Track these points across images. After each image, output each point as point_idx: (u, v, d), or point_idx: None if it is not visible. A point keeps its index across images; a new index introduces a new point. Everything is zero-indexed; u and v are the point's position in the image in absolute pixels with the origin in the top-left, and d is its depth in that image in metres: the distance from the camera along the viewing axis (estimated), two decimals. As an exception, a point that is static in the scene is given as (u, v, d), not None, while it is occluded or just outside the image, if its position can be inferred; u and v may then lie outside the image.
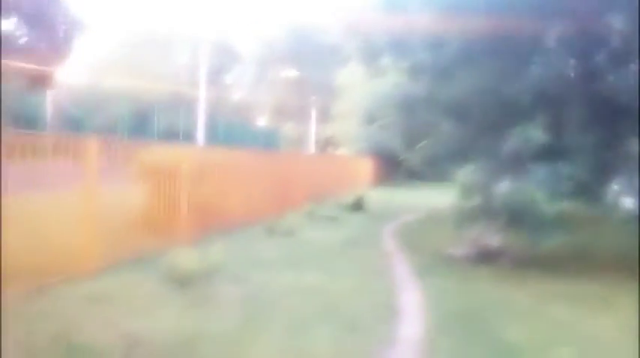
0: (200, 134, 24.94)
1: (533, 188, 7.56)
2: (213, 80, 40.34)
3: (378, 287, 7.61)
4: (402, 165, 28.20)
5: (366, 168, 30.13)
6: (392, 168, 31.05)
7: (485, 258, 9.50)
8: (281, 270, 8.13)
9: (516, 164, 8.03)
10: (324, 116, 38.45)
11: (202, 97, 24.34)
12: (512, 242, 9.69)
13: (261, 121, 39.96)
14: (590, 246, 9.91)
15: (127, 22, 38.43)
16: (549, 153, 7.82)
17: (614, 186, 9.75)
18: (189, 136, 27.29)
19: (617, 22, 7.85)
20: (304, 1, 49.89)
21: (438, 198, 22.41)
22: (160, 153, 9.47)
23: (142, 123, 26.53)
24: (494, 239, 9.81)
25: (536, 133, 7.70)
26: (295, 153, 27.24)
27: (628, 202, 10.36)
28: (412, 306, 6.85)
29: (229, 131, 30.60)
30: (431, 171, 13.59)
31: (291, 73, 40.10)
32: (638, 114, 7.97)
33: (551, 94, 8.18)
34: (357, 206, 16.85)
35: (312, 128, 37.76)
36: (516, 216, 7.80)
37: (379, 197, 21.02)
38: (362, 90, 29.75)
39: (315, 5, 43.95)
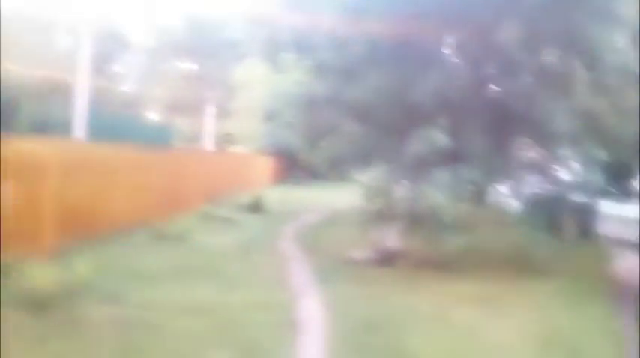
0: (79, 127, 23.12)
1: (434, 191, 7.41)
2: (100, 69, 38.31)
3: (277, 299, 7.14)
4: (302, 164, 27.96)
5: (265, 166, 29.63)
6: (292, 166, 30.78)
7: (386, 260, 9.33)
8: (167, 285, 7.43)
9: (419, 167, 7.87)
10: (223, 112, 37.49)
11: (82, 87, 22.56)
12: (413, 244, 9.61)
13: (154, 116, 38.31)
14: (482, 247, 10.01)
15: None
16: (451, 157, 7.71)
17: (502, 190, 9.96)
18: (67, 129, 25.22)
19: (511, 32, 7.85)
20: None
21: (338, 198, 22.37)
22: (26, 148, 8.30)
23: (9, 114, 24.31)
24: (394, 242, 9.67)
25: (438, 136, 7.56)
26: (190, 150, 26.24)
27: (514, 205, 10.64)
28: (314, 320, 6.45)
29: (116, 124, 28.86)
30: (332, 171, 13.29)
31: (187, 65, 38.76)
32: (526, 121, 8.13)
33: (451, 99, 8.11)
34: (256, 206, 16.32)
35: (210, 124, 36.71)
36: (418, 219, 7.63)
37: (279, 196, 20.61)
38: (262, 87, 29.22)
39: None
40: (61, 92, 27.23)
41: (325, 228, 13.80)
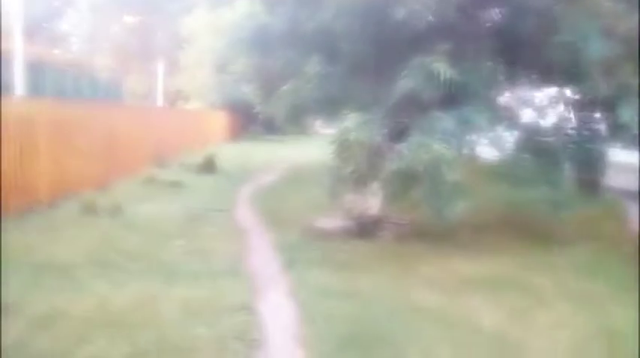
0: (19, 84, 20.16)
1: (432, 142, 5.34)
2: (45, 28, 34.58)
3: (230, 295, 5.04)
4: (258, 117, 25.59)
5: (218, 122, 27.09)
6: (247, 121, 28.31)
7: (365, 231, 7.34)
8: (84, 280, 5.26)
9: (413, 110, 5.77)
10: (173, 67, 34.45)
11: (20, 44, 19.65)
12: (397, 210, 7.64)
13: (102, 73, 34.89)
14: (477, 211, 8.10)
15: None
16: (453, 96, 5.63)
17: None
18: (7, 87, 22.15)
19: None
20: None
21: (299, 154, 20.15)
22: None
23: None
24: (374, 207, 7.66)
25: (440, 67, 5.44)
26: (136, 106, 23.42)
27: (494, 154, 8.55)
28: (281, 329, 4.41)
29: (60, 82, 25.75)
30: (292, 124, 10.95)
31: (134, 19, 35.37)
32: (548, 47, 6.04)
33: (449, 18, 5.96)
34: (208, 166, 14.03)
35: (159, 80, 33.68)
36: (409, 179, 5.57)
37: (233, 154, 18.32)
38: (211, 38, 26.39)
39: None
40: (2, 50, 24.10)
41: (287, 189, 11.67)
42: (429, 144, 5.31)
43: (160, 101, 33.69)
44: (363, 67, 6.71)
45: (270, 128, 26.93)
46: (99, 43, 36.02)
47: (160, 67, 34.22)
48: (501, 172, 8.79)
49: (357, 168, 6.08)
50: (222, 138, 25.95)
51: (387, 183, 6.13)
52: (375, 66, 6.55)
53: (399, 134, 5.87)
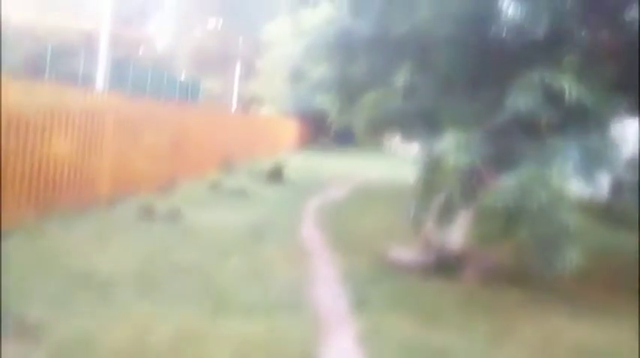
0: (100, 78, 20.31)
1: (558, 177, 4.28)
2: (132, 25, 35.26)
3: (289, 338, 4.16)
4: (330, 127, 24.87)
5: (289, 130, 26.55)
6: (319, 130, 27.62)
7: (444, 268, 6.30)
8: (126, 300, 4.53)
9: (525, 134, 4.73)
10: (250, 72, 34.40)
11: (105, 39, 19.80)
12: (478, 245, 6.56)
13: (182, 72, 35.26)
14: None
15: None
16: (579, 121, 4.55)
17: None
18: (89, 80, 22.49)
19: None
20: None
21: (372, 169, 19.21)
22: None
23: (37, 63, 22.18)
24: (459, 240, 6.61)
25: (566, 83, 4.39)
26: (209, 108, 23.15)
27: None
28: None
29: (140, 79, 25.98)
30: (370, 137, 9.98)
31: (215, 23, 35.68)
32: None
33: (578, 27, 4.89)
34: (276, 175, 13.33)
35: (235, 84, 33.69)
36: (517, 220, 4.52)
37: (303, 164, 17.61)
38: (290, 44, 25.96)
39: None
40: (90, 45, 24.70)
41: (358, 208, 10.72)
42: (547, 177, 4.25)
43: (234, 104, 33.70)
44: (461, 79, 5.70)
45: (342, 139, 26.13)
46: (181, 45, 36.50)
47: (237, 71, 34.29)
48: (596, 212, 7.62)
49: (449, 197, 5.07)
50: (293, 146, 25.38)
51: (483, 219, 5.09)
52: (476, 78, 5.53)
53: (504, 161, 4.82)
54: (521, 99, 4.55)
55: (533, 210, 4.21)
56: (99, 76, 20.51)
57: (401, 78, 6.16)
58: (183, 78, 31.81)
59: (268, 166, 13.76)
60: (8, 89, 5.94)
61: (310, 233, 8.31)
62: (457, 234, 6.53)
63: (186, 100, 27.05)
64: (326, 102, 16.77)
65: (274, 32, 29.20)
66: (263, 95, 31.58)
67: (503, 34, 5.18)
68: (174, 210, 7.81)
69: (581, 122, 4.56)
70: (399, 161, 17.78)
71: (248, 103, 33.65)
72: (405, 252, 6.80)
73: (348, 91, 8.22)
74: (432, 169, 5.07)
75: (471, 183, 4.92)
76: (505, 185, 4.44)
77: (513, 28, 5.03)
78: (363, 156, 21.58)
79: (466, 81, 5.53)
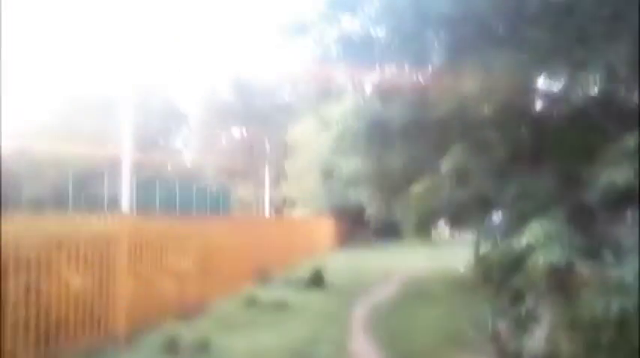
0: (125, 199, 20.01)
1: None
2: (157, 143, 35.92)
3: None
4: (367, 222, 23.94)
5: (325, 229, 25.67)
6: (356, 226, 26.66)
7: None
8: None
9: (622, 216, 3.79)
10: (280, 176, 34.29)
11: (126, 158, 19.71)
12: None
13: (211, 183, 35.35)
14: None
15: (61, 83, 34.01)
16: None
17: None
18: (114, 204, 22.36)
19: None
20: (250, 59, 46.37)
21: (417, 259, 18.00)
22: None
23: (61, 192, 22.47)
24: (536, 347, 5.44)
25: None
26: (239, 216, 22.61)
27: None
28: None
29: (169, 195, 25.88)
30: (421, 231, 8.98)
31: (240, 131, 36.22)
32: None
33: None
34: (316, 280, 12.32)
35: (266, 189, 33.49)
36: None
37: (343, 264, 16.58)
38: (317, 145, 25.80)
39: (260, 61, 40.48)
40: (114, 170, 25.04)
41: (411, 309, 9.57)
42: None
43: (266, 210, 33.30)
44: (522, 157, 4.85)
45: (381, 233, 25.07)
46: (208, 156, 36.91)
47: (267, 176, 34.19)
48: None
49: (535, 299, 4.06)
50: (330, 245, 24.38)
51: (583, 325, 4.01)
52: (540, 153, 4.68)
53: (599, 251, 3.85)
54: (616, 172, 3.64)
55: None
56: (124, 199, 20.25)
57: (450, 162, 5.33)
58: (212, 189, 31.77)
59: (307, 272, 12.78)
60: (7, 225, 5.31)
61: (361, 348, 7.19)
62: (539, 342, 5.38)
63: (218, 211, 26.71)
64: (362, 197, 15.99)
65: (300, 132, 29.21)
66: (295, 196, 31.14)
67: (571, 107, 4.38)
68: (202, 339, 6.85)
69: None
70: (446, 249, 16.67)
71: (281, 207, 33.25)
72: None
73: (388, 184, 7.43)
74: (512, 267, 4.09)
75: (563, 282, 3.91)
76: (615, 283, 3.43)
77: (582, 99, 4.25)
78: (406, 248, 20.35)
79: (528, 158, 4.68)
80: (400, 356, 6.58)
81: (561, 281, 3.85)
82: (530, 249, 3.73)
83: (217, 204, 29.45)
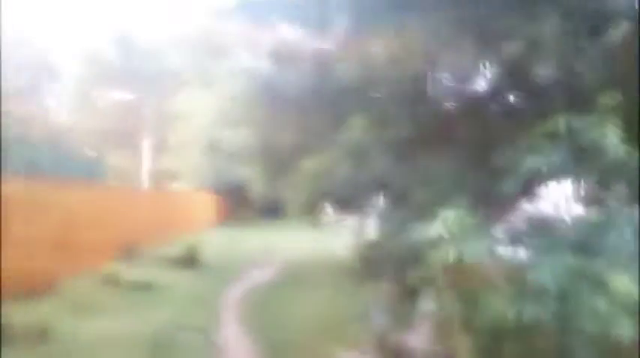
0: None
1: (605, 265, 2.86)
2: (26, 99, 32.62)
3: None
4: (251, 199, 23.11)
5: (207, 205, 24.58)
6: (239, 203, 25.74)
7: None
8: None
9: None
10: (161, 146, 32.47)
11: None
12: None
13: (84, 147, 32.73)
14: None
15: None
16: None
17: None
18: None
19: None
20: (137, 17, 43.35)
21: (301, 241, 17.36)
22: None
23: None
24: (419, 340, 5.04)
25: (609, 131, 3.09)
26: (115, 186, 20.91)
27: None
28: None
29: (31, 156, 23.37)
30: (310, 212, 8.26)
31: (121, 95, 33.80)
32: None
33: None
34: (188, 259, 11.41)
35: (145, 159, 31.61)
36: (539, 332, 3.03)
37: (222, 242, 15.75)
38: (203, 113, 24.49)
39: (148, 20, 37.89)
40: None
41: (290, 295, 8.97)
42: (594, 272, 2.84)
43: (144, 181, 31.39)
44: (431, 140, 4.34)
45: (266, 212, 24.37)
46: (83, 117, 34.16)
47: (147, 146, 32.23)
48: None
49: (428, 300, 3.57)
50: (211, 222, 23.35)
51: (482, 335, 3.53)
52: (454, 137, 4.18)
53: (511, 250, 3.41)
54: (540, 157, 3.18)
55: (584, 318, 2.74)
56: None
57: (346, 137, 4.69)
58: (85, 154, 29.39)
59: (181, 249, 11.81)
60: None
61: (233, 337, 6.49)
62: (423, 334, 4.97)
63: (89, 179, 24.64)
64: (248, 172, 15.14)
65: (186, 100, 27.66)
66: (176, 169, 29.59)
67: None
68: (42, 324, 5.80)
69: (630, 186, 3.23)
70: (333, 233, 16.29)
71: (161, 179, 31.52)
72: (359, 359, 5.15)
73: (277, 158, 6.71)
74: (408, 259, 3.55)
75: (468, 280, 3.42)
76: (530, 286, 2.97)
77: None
78: (291, 229, 19.69)
79: (433, 141, 4.16)
80: (272, 347, 5.95)
81: (466, 279, 3.37)
82: (438, 240, 3.19)
83: (89, 170, 27.24)
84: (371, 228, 5.90)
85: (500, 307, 2.97)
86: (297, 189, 5.05)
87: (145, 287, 8.64)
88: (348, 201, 5.80)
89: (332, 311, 7.10)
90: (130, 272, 9.44)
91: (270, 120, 6.59)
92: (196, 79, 28.49)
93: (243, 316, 7.53)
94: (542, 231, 3.32)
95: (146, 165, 31.61)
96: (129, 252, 11.55)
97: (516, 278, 3.12)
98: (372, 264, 4.77)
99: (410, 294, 4.05)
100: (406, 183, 4.16)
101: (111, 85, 33.35)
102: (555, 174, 3.26)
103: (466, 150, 4.03)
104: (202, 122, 25.09)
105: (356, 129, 4.52)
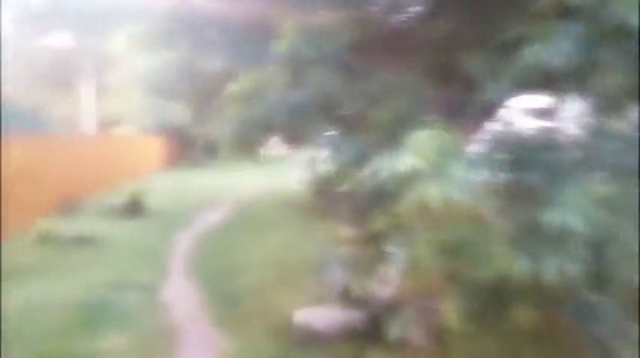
0: None
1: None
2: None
3: None
4: (196, 141, 22.12)
5: (152, 148, 23.44)
6: (185, 146, 24.66)
7: (378, 330, 4.22)
8: None
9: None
10: (102, 90, 30.59)
11: None
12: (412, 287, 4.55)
13: (21, 96, 30.59)
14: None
15: None
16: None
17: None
18: None
19: None
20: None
21: (249, 179, 16.76)
22: None
23: None
24: (382, 287, 4.55)
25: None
26: (54, 135, 19.47)
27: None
28: None
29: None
30: (241, 151, 7.49)
31: (58, 40, 31.43)
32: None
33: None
34: (133, 208, 10.62)
35: (86, 104, 29.84)
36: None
37: (169, 186, 14.94)
38: (144, 56, 22.88)
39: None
40: None
41: (241, 239, 8.39)
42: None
43: (87, 127, 29.72)
44: (385, 48, 3.63)
45: (211, 152, 23.43)
46: (18, 64, 31.77)
47: (86, 90, 30.35)
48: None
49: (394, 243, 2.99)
50: (157, 167, 22.31)
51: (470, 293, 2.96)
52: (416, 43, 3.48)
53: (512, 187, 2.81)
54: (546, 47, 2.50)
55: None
56: None
57: (283, 46, 3.87)
58: (21, 103, 27.44)
59: (125, 198, 10.97)
60: None
61: (179, 292, 5.89)
62: (393, 286, 4.46)
63: (28, 129, 23.02)
64: (188, 116, 14.12)
65: (122, 44, 25.78)
66: (119, 113, 28.03)
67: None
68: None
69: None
70: (282, 170, 15.57)
71: (104, 124, 29.90)
72: (317, 314, 4.64)
73: (198, 94, 5.88)
74: (375, 203, 2.93)
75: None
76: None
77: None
78: (240, 169, 18.94)
79: (388, 49, 3.46)
80: (222, 302, 5.39)
81: (448, 221, 2.76)
82: (412, 173, 2.52)
83: (29, 122, 25.47)
84: (324, 161, 5.24)
85: (502, 258, 2.40)
86: (222, 121, 4.27)
87: (84, 243, 7.89)
88: (293, 131, 5.09)
89: (287, 256, 6.58)
90: (69, 227, 8.62)
91: (192, 43, 5.71)
92: (130, 18, 26.61)
93: (192, 267, 6.92)
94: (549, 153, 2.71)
95: (88, 111, 29.86)
96: (69, 205, 10.66)
97: (520, 219, 2.53)
98: (327, 202, 4.16)
99: (374, 239, 3.48)
100: (359, 102, 3.47)
101: (46, 29, 30.95)
102: (570, 70, 2.54)
103: (428, 57, 3.36)
104: (141, 63, 23.55)
105: (291, 36, 3.72)
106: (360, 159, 3.02)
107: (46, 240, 7.97)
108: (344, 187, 3.72)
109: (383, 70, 3.49)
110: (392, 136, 2.64)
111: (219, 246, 8.02)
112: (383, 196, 2.83)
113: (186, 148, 24.85)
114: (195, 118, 7.70)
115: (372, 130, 3.08)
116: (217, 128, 4.44)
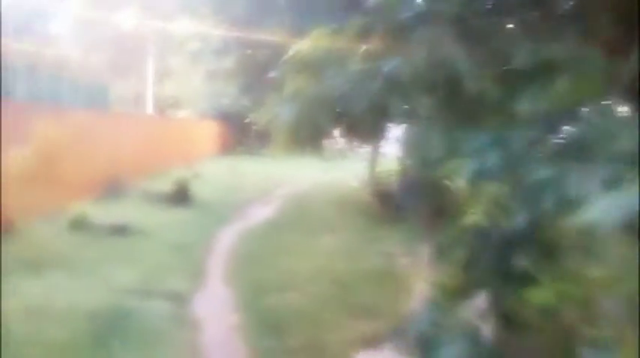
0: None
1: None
2: (30, 30, 30.25)
3: None
4: (251, 128, 21.18)
5: (207, 134, 22.64)
6: (241, 132, 23.72)
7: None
8: None
9: None
10: (165, 72, 30.22)
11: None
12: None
13: (88, 75, 30.48)
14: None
15: None
16: None
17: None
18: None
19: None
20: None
21: (306, 171, 15.42)
22: None
23: None
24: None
25: None
26: (112, 113, 18.88)
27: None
28: None
29: (34, 84, 21.32)
30: (308, 146, 6.39)
31: (126, 21, 31.24)
32: None
33: None
34: (179, 196, 9.68)
35: (148, 86, 29.47)
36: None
37: (220, 174, 14.03)
38: (202, 39, 22.20)
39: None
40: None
41: (290, 238, 7.26)
42: None
43: (148, 109, 29.42)
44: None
45: (266, 140, 22.38)
46: (87, 45, 31.79)
47: (150, 72, 30.02)
48: None
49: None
50: (210, 153, 21.51)
51: None
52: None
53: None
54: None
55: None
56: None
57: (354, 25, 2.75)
58: (88, 83, 27.23)
59: (171, 183, 10.05)
60: None
61: (213, 307, 4.82)
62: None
63: (94, 106, 22.68)
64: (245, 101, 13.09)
65: (186, 29, 25.21)
66: (179, 96, 27.56)
67: None
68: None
69: None
70: (340, 161, 14.30)
71: (164, 106, 29.49)
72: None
73: (253, 59, 4.77)
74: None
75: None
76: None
77: None
78: (293, 159, 17.62)
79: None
80: (262, 323, 4.29)
81: None
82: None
83: (92, 99, 25.22)
84: (389, 156, 4.02)
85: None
86: (280, 103, 3.13)
87: (119, 233, 6.97)
88: (360, 123, 3.89)
89: (345, 267, 5.42)
90: (107, 214, 7.73)
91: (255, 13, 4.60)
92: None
93: (233, 273, 5.85)
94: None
95: (147, 92, 29.53)
96: (114, 187, 9.82)
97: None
98: (392, 202, 2.98)
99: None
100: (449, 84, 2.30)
101: (114, 11, 30.82)
102: None
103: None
104: (200, 46, 22.85)
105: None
106: (514, 165, 1.87)
107: (79, 226, 7.09)
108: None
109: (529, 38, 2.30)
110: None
111: (266, 248, 6.91)
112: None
113: (241, 135, 23.97)
114: (252, 102, 6.59)
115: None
116: (270, 111, 3.29)
